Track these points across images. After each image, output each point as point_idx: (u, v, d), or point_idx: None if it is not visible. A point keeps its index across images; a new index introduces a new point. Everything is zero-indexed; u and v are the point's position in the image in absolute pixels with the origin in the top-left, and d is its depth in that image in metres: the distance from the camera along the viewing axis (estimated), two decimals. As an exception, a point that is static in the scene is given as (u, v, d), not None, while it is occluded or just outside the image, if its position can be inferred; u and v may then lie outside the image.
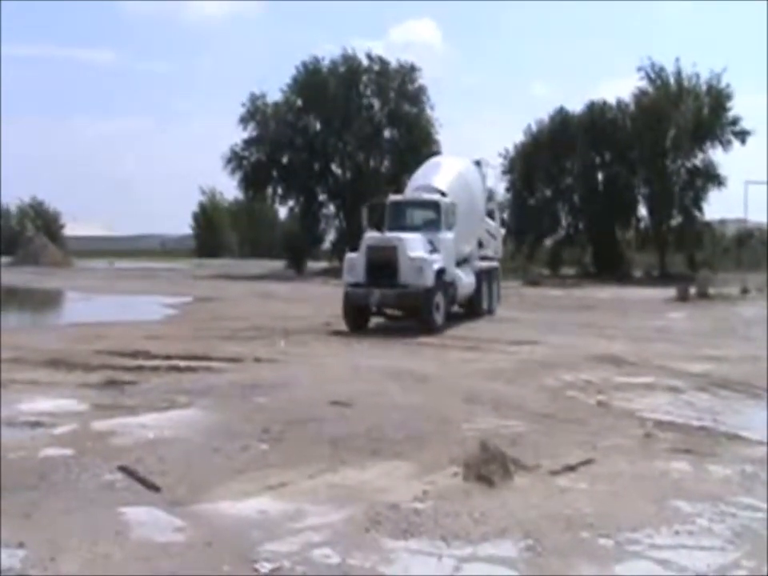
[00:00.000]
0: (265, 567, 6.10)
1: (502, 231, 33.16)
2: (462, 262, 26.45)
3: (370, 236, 24.40)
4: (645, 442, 10.25)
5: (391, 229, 24.73)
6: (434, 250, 23.91)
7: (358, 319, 23.75)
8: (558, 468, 8.82)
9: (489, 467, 8.49)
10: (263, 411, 11.77)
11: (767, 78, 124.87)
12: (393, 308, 24.15)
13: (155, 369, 15.87)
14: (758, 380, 14.53)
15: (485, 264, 29.07)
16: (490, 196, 31.79)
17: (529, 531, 6.85)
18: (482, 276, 28.08)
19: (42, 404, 12.35)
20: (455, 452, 9.26)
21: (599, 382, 14.60)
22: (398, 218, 25.52)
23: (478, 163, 29.74)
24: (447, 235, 24.84)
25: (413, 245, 23.38)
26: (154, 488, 8.06)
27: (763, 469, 8.90)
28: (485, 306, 28.45)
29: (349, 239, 50.47)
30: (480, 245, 29.42)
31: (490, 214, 31.36)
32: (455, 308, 26.32)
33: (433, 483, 8.29)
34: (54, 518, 7.16)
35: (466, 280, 26.24)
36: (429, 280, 22.92)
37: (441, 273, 23.70)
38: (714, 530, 6.98)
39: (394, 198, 27.14)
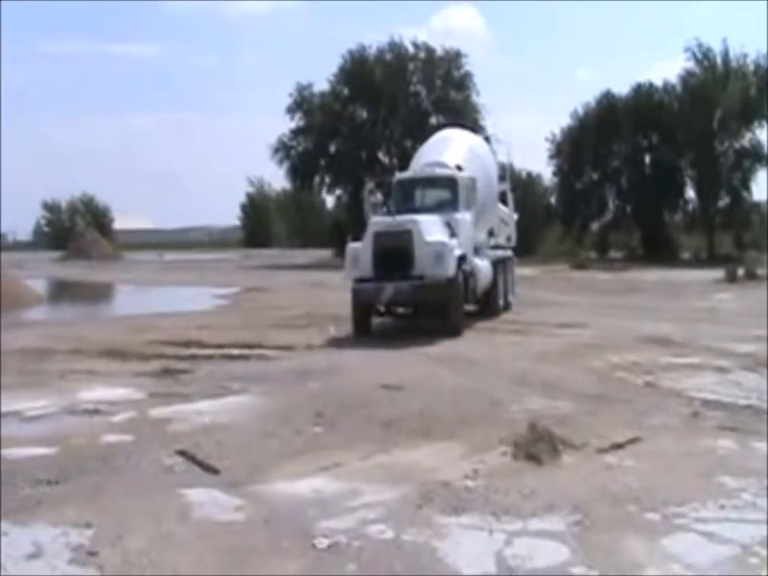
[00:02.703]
0: (322, 542, 6.34)
1: (515, 216, 28.29)
2: (475, 251, 22.31)
3: (378, 220, 20.59)
4: (691, 420, 10.40)
5: (399, 212, 20.82)
6: (452, 233, 20.30)
7: (367, 320, 20.36)
8: (605, 446, 9.00)
9: (537, 446, 8.70)
10: (316, 396, 12.03)
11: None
12: (409, 304, 20.59)
13: (208, 357, 16.18)
14: (805, 359, 14.56)
15: (500, 253, 25.07)
16: (502, 176, 27.25)
17: (577, 506, 7.05)
18: (498, 267, 23.87)
19: (100, 393, 12.71)
20: (504, 432, 9.43)
21: (646, 362, 14.69)
22: (406, 199, 22.14)
23: (487, 139, 27.24)
24: (466, 216, 21.39)
25: (429, 228, 19.75)
26: (213, 470, 8.33)
27: (809, 444, 9.03)
28: (501, 301, 24.34)
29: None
30: (490, 233, 24.92)
31: (502, 197, 27.28)
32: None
33: (483, 462, 8.49)
34: (118, 499, 7.44)
35: (484, 271, 22.22)
36: (450, 269, 19.24)
37: (461, 260, 20.00)
38: (758, 504, 7.12)
39: (401, 175, 23.36)
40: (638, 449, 8.97)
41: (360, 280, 19.76)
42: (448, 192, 22.02)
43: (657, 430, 9.85)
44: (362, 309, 19.99)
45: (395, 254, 19.30)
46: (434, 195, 22.89)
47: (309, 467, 8.41)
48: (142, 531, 6.62)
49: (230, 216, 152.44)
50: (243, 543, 6.39)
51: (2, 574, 5.84)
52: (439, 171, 22.39)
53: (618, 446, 9.01)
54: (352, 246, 20.67)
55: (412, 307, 20.94)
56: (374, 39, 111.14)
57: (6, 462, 8.66)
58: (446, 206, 21.47)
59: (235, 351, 16.83)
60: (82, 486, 7.87)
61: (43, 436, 9.94)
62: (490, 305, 23.41)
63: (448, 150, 23.95)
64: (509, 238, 27.48)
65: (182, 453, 8.96)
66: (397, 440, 9.50)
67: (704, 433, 9.72)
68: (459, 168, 22.34)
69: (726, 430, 9.84)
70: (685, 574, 5.79)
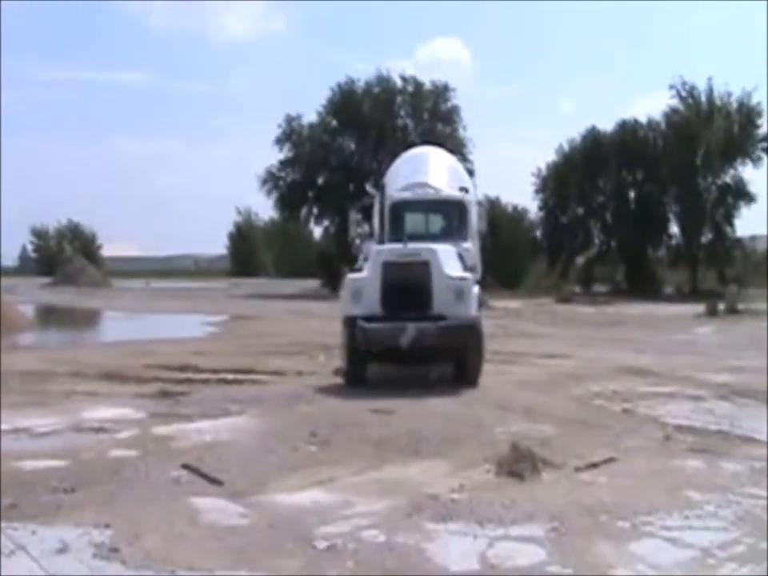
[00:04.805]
0: (322, 544, 6.98)
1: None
2: None
3: (386, 249, 17.23)
4: (664, 443, 11.04)
5: (393, 240, 17.85)
6: (465, 266, 17.39)
7: (365, 366, 16.52)
8: (582, 465, 9.64)
9: (519, 465, 9.34)
10: (310, 418, 12.62)
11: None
12: (429, 349, 16.03)
13: (205, 381, 16.77)
14: (776, 389, 15.26)
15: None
16: None
17: (554, 516, 7.68)
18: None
19: (104, 412, 13.26)
20: (489, 452, 10.06)
21: (625, 391, 15.33)
22: (402, 225, 18.94)
23: (471, 172, 25.41)
24: (471, 246, 18.69)
25: (447, 258, 16.78)
26: (217, 482, 8.93)
27: (773, 465, 9.75)
28: None
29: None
30: None
31: None
32: None
33: (468, 478, 9.11)
34: (132, 505, 8.04)
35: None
36: (473, 308, 16.46)
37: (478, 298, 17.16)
38: (719, 514, 7.80)
39: (398, 197, 19.16)
40: (612, 468, 9.61)
41: (367, 318, 15.94)
42: (455, 217, 19.23)
43: (631, 451, 10.49)
44: (364, 352, 16.13)
45: (409, 289, 16.20)
46: (437, 221, 20.16)
47: (306, 481, 9.01)
48: (157, 532, 7.23)
49: (217, 245, 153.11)
50: (250, 544, 7.01)
51: (36, 566, 6.47)
52: (445, 193, 19.27)
53: (594, 465, 9.65)
54: (353, 277, 17.07)
55: (428, 352, 16.38)
56: (361, 67, 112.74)
57: (23, 473, 9.26)
58: (453, 234, 18.64)
59: (230, 376, 17.39)
60: (97, 493, 8.47)
61: (54, 450, 10.50)
62: None
63: (430, 169, 20.44)
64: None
65: (186, 466, 9.56)
66: (388, 458, 10.12)
67: (675, 454, 10.37)
68: (465, 190, 19.45)
69: (696, 451, 10.48)
70: (649, 573, 6.43)
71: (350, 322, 16.01)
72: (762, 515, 7.76)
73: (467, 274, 16.85)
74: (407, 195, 19.27)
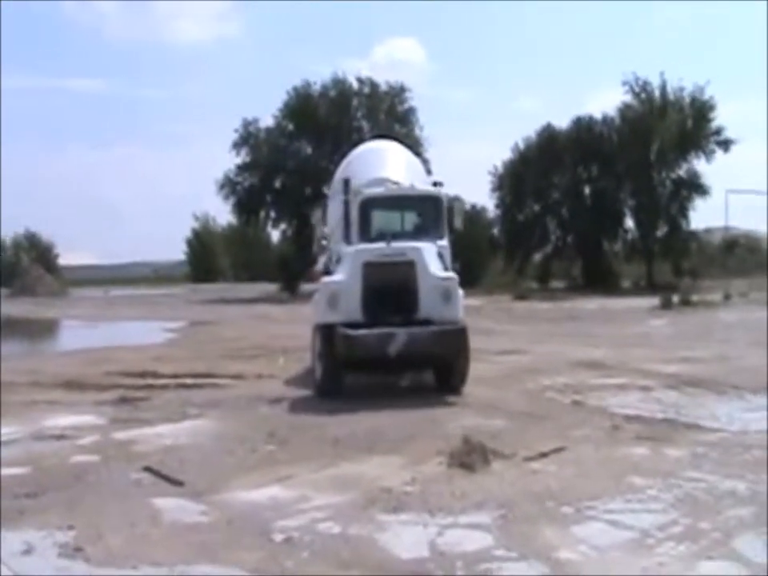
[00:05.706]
0: (279, 537, 7.27)
1: None
2: None
3: (367, 248, 15.89)
4: (612, 432, 11.42)
5: (364, 239, 16.51)
6: (445, 266, 16.23)
7: (342, 375, 15.42)
8: (531, 455, 9.98)
9: (470, 457, 9.68)
10: (268, 419, 12.94)
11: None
12: (418, 356, 15.01)
13: (164, 386, 16.95)
14: (724, 378, 15.70)
15: None
16: None
17: (502, 504, 8.01)
18: None
19: (64, 420, 13.45)
20: (442, 446, 10.36)
21: (576, 384, 15.74)
22: (372, 223, 17.26)
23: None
24: (446, 244, 17.08)
25: (431, 258, 15.78)
26: (178, 483, 9.19)
27: (713, 449, 10.16)
28: None
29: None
30: None
31: None
32: None
33: (421, 472, 9.43)
34: (95, 508, 8.29)
35: None
36: (460, 310, 15.57)
37: None
38: (660, 497, 8.17)
39: (369, 193, 17.14)
40: (560, 457, 9.97)
41: (347, 325, 14.75)
42: (430, 214, 17.49)
43: (579, 441, 10.86)
44: (343, 362, 14.96)
45: (394, 292, 15.22)
46: (412, 218, 18.27)
47: (264, 479, 9.30)
48: (120, 532, 7.49)
49: (175, 251, 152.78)
50: (210, 539, 7.28)
51: (4, 567, 6.70)
52: (421, 188, 17.74)
53: (543, 455, 10.00)
54: (329, 280, 15.82)
55: (416, 360, 15.39)
56: (317, 70, 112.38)
57: (-16, 481, 9.47)
58: (428, 232, 17.07)
59: (189, 380, 17.60)
60: (60, 497, 8.71)
61: (15, 458, 10.70)
62: None
63: (388, 164, 18.92)
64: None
65: (147, 469, 9.82)
66: (344, 455, 10.42)
67: (622, 442, 10.76)
68: (440, 185, 18.09)
69: (642, 439, 10.89)
70: (590, 553, 6.76)
71: (327, 330, 15.00)
72: (700, 497, 8.14)
73: (452, 274, 15.85)
74: (379, 191, 17.34)
